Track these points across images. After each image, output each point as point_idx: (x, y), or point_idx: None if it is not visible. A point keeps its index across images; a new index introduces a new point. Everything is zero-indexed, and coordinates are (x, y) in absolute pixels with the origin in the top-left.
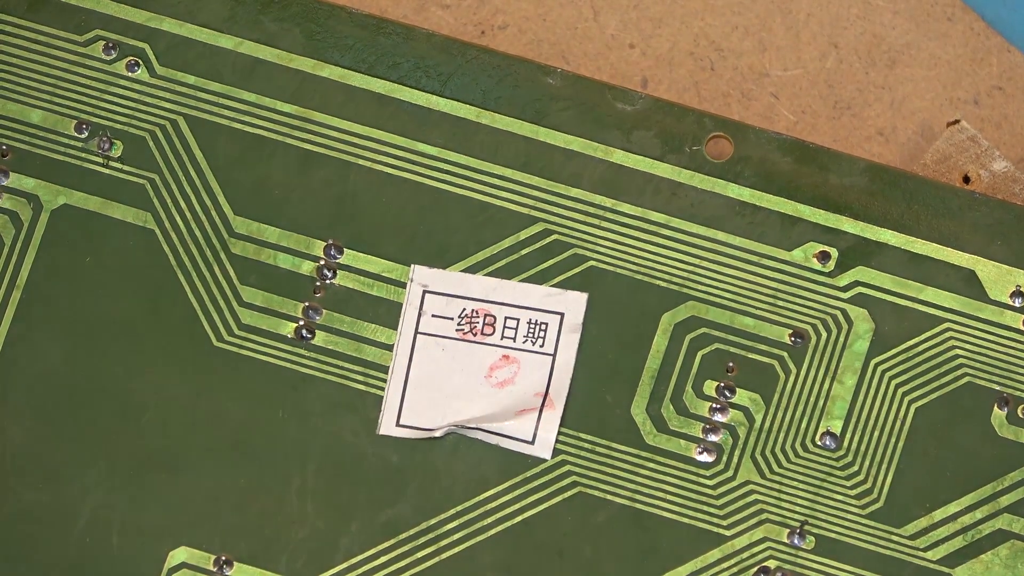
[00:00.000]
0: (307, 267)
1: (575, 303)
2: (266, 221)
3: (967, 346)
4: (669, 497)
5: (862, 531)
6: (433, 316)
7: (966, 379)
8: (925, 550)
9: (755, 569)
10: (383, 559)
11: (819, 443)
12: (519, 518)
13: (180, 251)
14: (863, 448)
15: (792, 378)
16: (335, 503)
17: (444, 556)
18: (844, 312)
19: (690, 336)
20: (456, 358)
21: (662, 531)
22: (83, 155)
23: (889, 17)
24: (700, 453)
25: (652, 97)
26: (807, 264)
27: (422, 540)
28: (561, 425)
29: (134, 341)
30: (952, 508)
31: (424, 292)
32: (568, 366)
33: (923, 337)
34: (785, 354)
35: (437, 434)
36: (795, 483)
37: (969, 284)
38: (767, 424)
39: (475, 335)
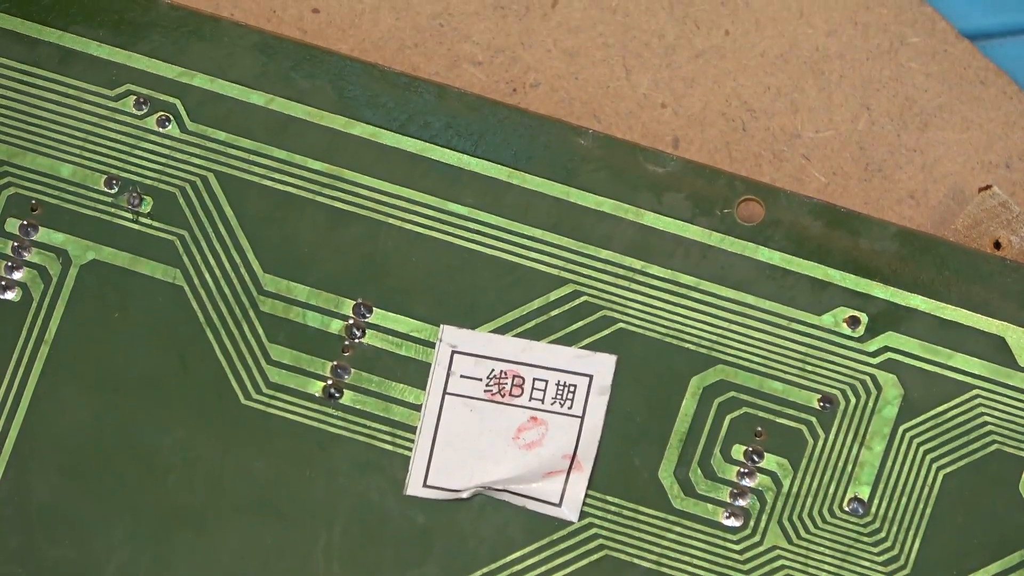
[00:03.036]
0: (336, 326)
1: (604, 365)
2: (295, 279)
3: (996, 413)
4: (696, 561)
5: None
6: (462, 377)
7: (995, 446)
8: None
9: None
10: None
11: (847, 509)
12: None
13: (209, 308)
14: (891, 514)
15: (820, 443)
16: (361, 563)
17: None
18: (873, 378)
19: (719, 400)
20: (484, 419)
21: None
22: (113, 210)
23: (921, 79)
24: (727, 517)
25: (683, 159)
26: (837, 329)
27: None
28: (588, 488)
29: (161, 398)
30: None
31: (453, 352)
32: (596, 428)
33: (952, 403)
34: (814, 419)
35: (464, 495)
36: (822, 549)
37: (999, 351)
38: (795, 489)
39: (503, 396)
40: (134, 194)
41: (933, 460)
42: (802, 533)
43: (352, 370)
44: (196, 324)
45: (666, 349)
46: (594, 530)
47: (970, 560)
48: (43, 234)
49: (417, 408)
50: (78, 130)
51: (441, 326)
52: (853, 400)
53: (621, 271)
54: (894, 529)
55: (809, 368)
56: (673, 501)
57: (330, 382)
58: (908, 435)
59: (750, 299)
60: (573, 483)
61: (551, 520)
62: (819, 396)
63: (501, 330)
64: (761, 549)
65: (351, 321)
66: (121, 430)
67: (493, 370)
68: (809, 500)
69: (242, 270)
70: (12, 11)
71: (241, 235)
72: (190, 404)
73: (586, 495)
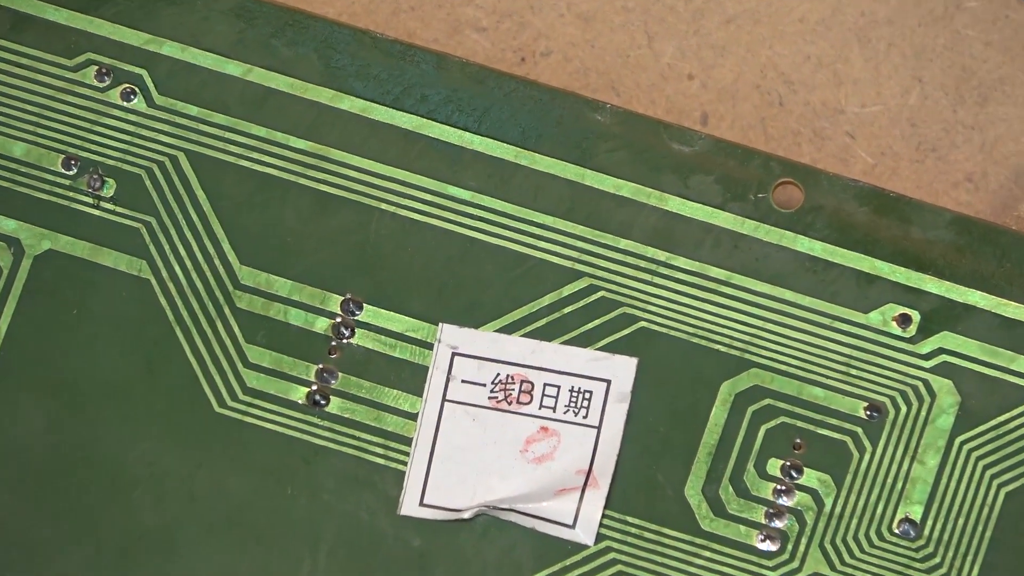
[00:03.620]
0: (321, 324)
1: (623, 369)
2: (276, 272)
3: None
4: None
5: None
6: (463, 382)
7: None
8: None
9: None
10: None
11: (897, 531)
12: None
13: (179, 304)
14: (946, 537)
15: (867, 457)
16: None
17: None
18: (926, 383)
19: (752, 408)
20: (488, 429)
21: None
22: (71, 194)
23: (980, 48)
24: (762, 541)
25: (713, 137)
26: (885, 328)
27: None
28: (606, 507)
29: (126, 406)
30: None
31: (453, 354)
32: (615, 440)
33: (1015, 413)
34: (859, 430)
35: (465, 515)
36: None
37: None
38: (838, 509)
39: (510, 404)
40: (95, 176)
41: (993, 476)
42: (846, 558)
43: (340, 374)
44: (164, 322)
45: (693, 351)
46: (612, 555)
47: None
48: None
49: (413, 417)
50: (32, 104)
51: (440, 325)
52: (904, 408)
53: (643, 263)
54: (950, 554)
55: (854, 372)
56: (701, 522)
57: (315, 388)
58: (965, 448)
59: (788, 295)
60: (588, 502)
61: (563, 543)
62: (865, 404)
63: (507, 329)
64: None
65: (339, 319)
66: (80, 441)
67: (498, 374)
68: (854, 521)
69: (216, 262)
70: None
71: (215, 222)
72: (158, 412)
73: (603, 515)
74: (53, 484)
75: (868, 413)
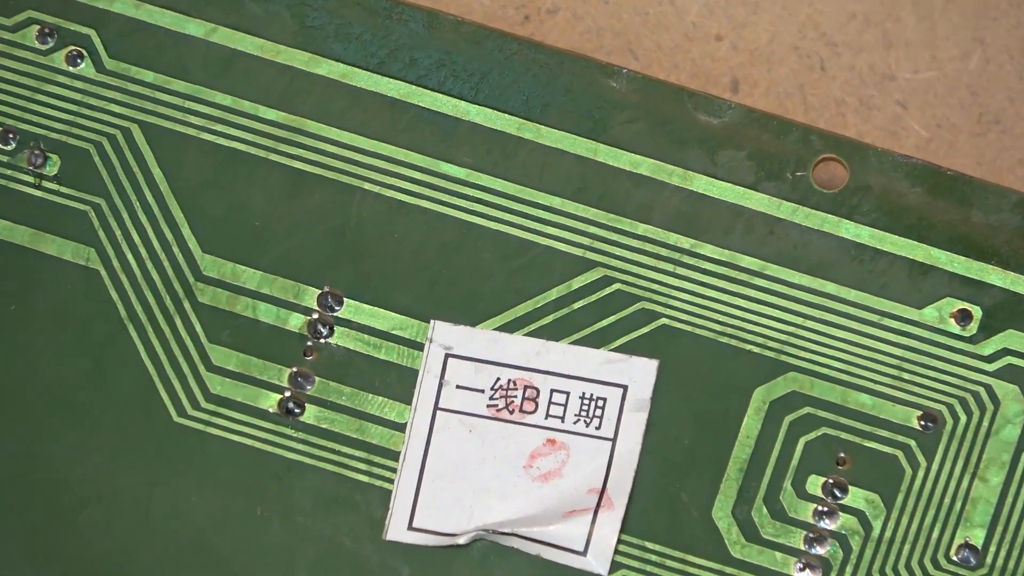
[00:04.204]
0: (296, 322)
1: (642, 373)
2: (243, 261)
3: None
4: None
5: None
6: (458, 387)
7: None
8: None
9: None
10: None
11: (955, 558)
12: None
13: (132, 298)
14: (1011, 565)
15: (921, 474)
16: None
17: None
18: (989, 389)
19: (790, 418)
20: (487, 442)
21: None
22: (9, 172)
23: None
24: (801, 570)
25: (744, 106)
26: (942, 326)
27: None
28: (622, 531)
29: (72, 415)
30: None
31: (447, 356)
32: (632, 454)
33: None
34: (912, 442)
35: (461, 540)
36: None
37: None
38: (888, 533)
39: (512, 412)
40: (36, 151)
41: None
42: None
43: (316, 379)
44: (116, 319)
45: (722, 352)
46: None
47: None
48: None
49: (401, 428)
50: None
51: (431, 322)
52: (963, 418)
53: (664, 251)
54: None
55: (906, 377)
56: (731, 548)
57: (288, 394)
58: None
59: (830, 287)
60: (602, 525)
61: (574, 572)
62: (919, 413)
63: (509, 327)
64: None
65: (315, 315)
66: (20, 456)
67: (499, 379)
68: (906, 547)
69: (175, 250)
70: None
71: (173, 204)
72: (109, 422)
73: (619, 540)
74: None
75: (922, 423)
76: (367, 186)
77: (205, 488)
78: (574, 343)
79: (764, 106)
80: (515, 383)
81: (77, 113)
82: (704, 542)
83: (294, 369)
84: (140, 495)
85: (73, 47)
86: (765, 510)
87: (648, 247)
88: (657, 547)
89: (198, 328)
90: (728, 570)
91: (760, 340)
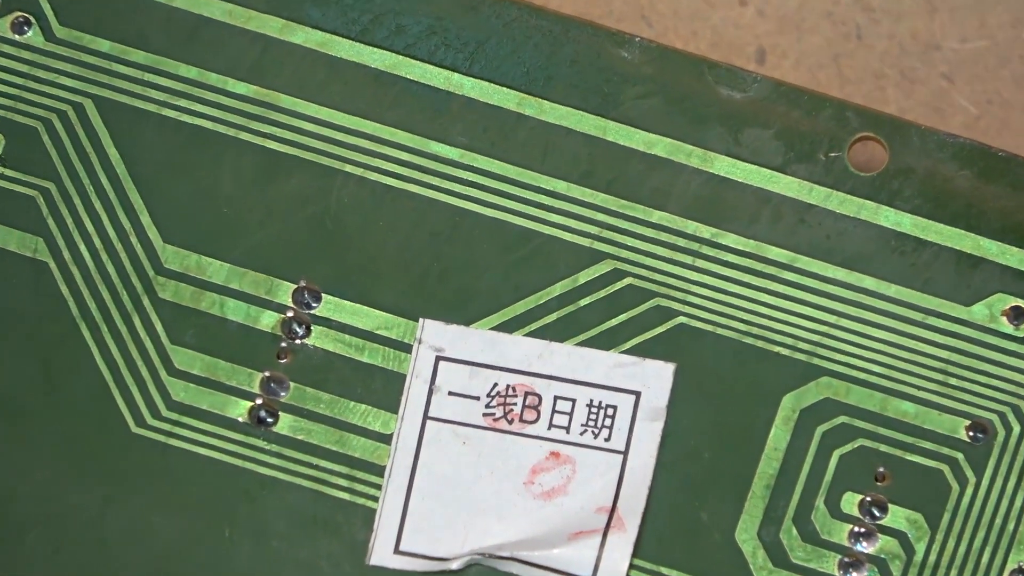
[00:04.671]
0: (268, 320)
1: (657, 377)
2: (209, 253)
3: None
4: None
5: None
6: (450, 394)
7: None
8: None
9: None
10: None
11: None
12: None
13: (85, 294)
14: None
15: (969, 491)
16: None
17: None
18: None
19: (823, 428)
20: (483, 456)
21: None
22: None
23: None
24: None
25: (771, 80)
26: (993, 325)
27: None
28: (634, 555)
29: (17, 425)
30: None
31: (438, 358)
32: (646, 469)
33: None
34: (960, 455)
35: (454, 565)
36: None
37: None
38: (932, 558)
39: (511, 422)
40: None
41: None
42: None
43: (291, 384)
44: (67, 317)
45: (747, 354)
46: None
47: None
48: None
49: (387, 440)
50: None
51: (420, 320)
52: (1016, 428)
53: (682, 242)
54: None
55: (953, 382)
56: (757, 574)
57: (259, 401)
58: None
59: (868, 282)
60: (612, 549)
61: None
62: (967, 423)
63: (507, 327)
64: None
65: (290, 313)
66: None
67: (496, 384)
68: (953, 573)
69: (133, 240)
70: None
71: (131, 189)
72: (58, 433)
73: (631, 565)
74: None
75: (971, 434)
76: (348, 168)
77: (167, 507)
78: (581, 344)
79: (794, 79)
80: (514, 389)
81: (23, 87)
82: (727, 567)
83: (266, 373)
84: (93, 515)
85: (19, 13)
86: (795, 532)
87: (664, 237)
88: (674, 573)
89: (159, 328)
90: None
91: (789, 341)
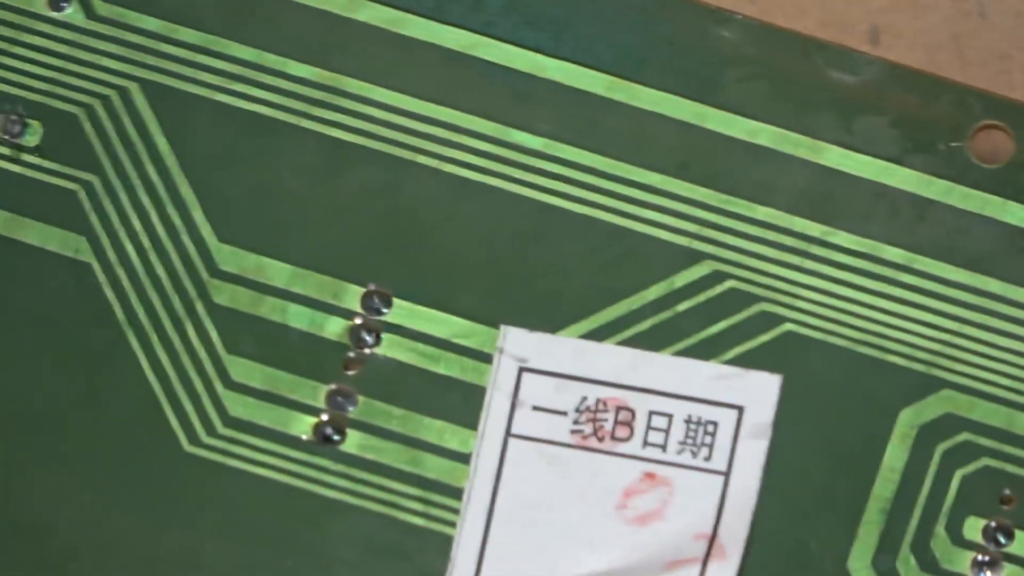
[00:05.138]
0: (334, 328)
1: (762, 391)
2: (269, 253)
3: None
4: None
5: None
6: (535, 409)
7: None
8: None
9: None
10: None
11: None
12: None
13: (132, 299)
14: None
15: None
16: None
17: None
18: None
19: (944, 446)
20: (571, 477)
21: None
22: None
23: None
24: None
25: (886, 62)
26: None
27: None
28: None
29: (58, 444)
30: None
31: (521, 370)
32: (749, 492)
33: None
34: None
35: None
36: None
37: None
38: None
39: (601, 440)
40: (13, 117)
41: None
42: None
43: (360, 398)
44: (112, 324)
45: (860, 365)
46: None
47: None
48: None
49: (465, 459)
50: None
51: (502, 328)
52: None
53: (789, 240)
54: None
55: None
56: None
57: (325, 417)
58: None
59: (993, 285)
60: None
61: None
62: None
63: (597, 334)
64: None
65: (359, 320)
66: None
67: (585, 398)
68: None
69: (184, 239)
70: None
71: (182, 182)
72: (103, 453)
73: None
74: None
75: None
76: (421, 160)
77: (222, 534)
78: (678, 354)
79: (910, 61)
80: (605, 404)
81: (62, 69)
82: None
83: (332, 386)
84: (142, 542)
85: None
86: (913, 560)
87: (769, 235)
88: None
89: (213, 336)
90: None
91: (907, 350)
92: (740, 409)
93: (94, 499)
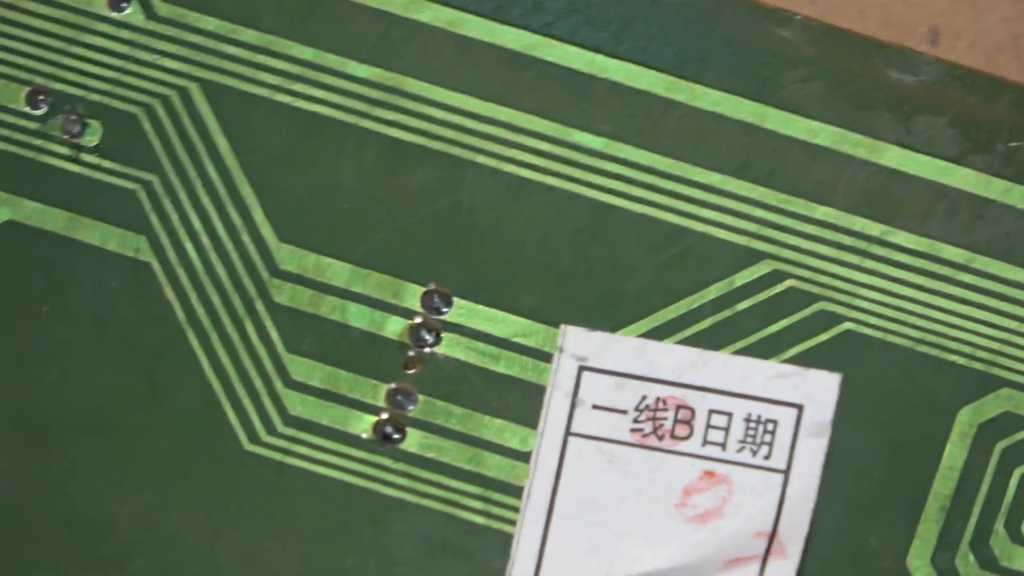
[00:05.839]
0: (394, 327)
1: (821, 389)
2: (329, 252)
3: None
4: None
5: None
6: (595, 408)
7: None
8: None
9: None
10: None
11: None
12: None
13: (192, 298)
14: None
15: None
16: None
17: None
18: None
19: (1003, 444)
20: (631, 475)
21: None
22: (39, 142)
23: None
24: None
25: (946, 62)
26: None
27: None
28: None
29: (117, 443)
30: None
31: (581, 368)
32: (809, 491)
33: None
34: None
35: None
36: None
37: None
38: None
39: (661, 438)
40: (72, 117)
41: None
42: None
43: (420, 397)
44: (172, 323)
45: (919, 364)
46: None
47: None
48: None
49: (525, 458)
50: None
51: (561, 327)
52: None
53: (848, 240)
54: None
55: None
56: None
57: (385, 416)
58: None
59: None
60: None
61: None
62: None
63: (657, 333)
64: None
65: (418, 319)
66: (53, 492)
67: (645, 397)
68: None
69: (244, 238)
70: None
71: (242, 182)
72: (163, 451)
73: None
74: (14, 549)
75: None
76: (481, 160)
77: (282, 532)
78: (737, 353)
79: (970, 61)
80: (665, 402)
81: (122, 70)
82: None
83: (392, 385)
84: (202, 541)
85: None
86: (972, 558)
87: (829, 235)
88: None
89: (274, 335)
90: None
91: (966, 349)
92: (800, 408)
93: (154, 497)
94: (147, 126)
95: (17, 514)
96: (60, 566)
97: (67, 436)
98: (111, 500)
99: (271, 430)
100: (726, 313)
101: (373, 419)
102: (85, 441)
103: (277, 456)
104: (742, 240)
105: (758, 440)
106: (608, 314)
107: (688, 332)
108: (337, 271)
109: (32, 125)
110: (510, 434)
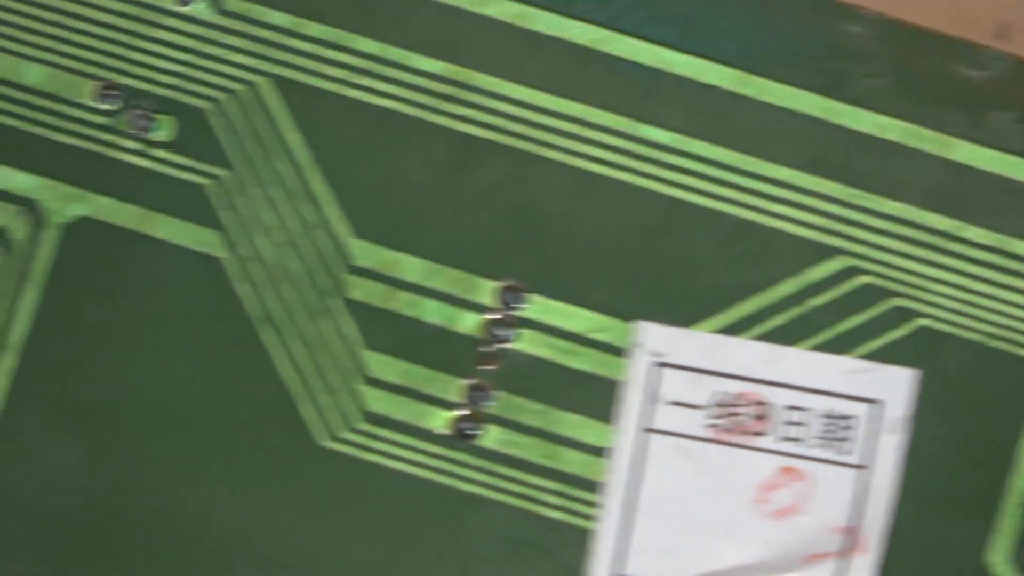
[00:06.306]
0: (470, 323)
1: (898, 385)
2: (404, 248)
3: None
4: None
5: None
6: (672, 404)
7: None
8: None
9: None
10: None
11: None
12: None
13: (266, 294)
14: None
15: None
16: None
17: None
18: None
19: None
20: (708, 471)
21: None
22: (109, 138)
23: None
24: None
25: (1015, 57)
26: None
27: None
28: None
29: (190, 438)
30: None
31: (658, 364)
32: (887, 486)
33: None
34: None
35: None
36: None
37: None
38: None
39: (738, 434)
40: (142, 112)
41: None
42: None
43: (497, 393)
44: (244, 320)
45: (996, 359)
46: None
47: None
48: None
49: (602, 453)
50: (51, 11)
51: (637, 323)
52: None
53: (922, 235)
54: None
55: None
56: None
57: (463, 412)
58: None
59: None
60: (852, 572)
61: None
62: None
63: (732, 329)
64: None
65: (495, 315)
66: (126, 489)
67: (721, 392)
68: None
69: (318, 233)
70: None
71: (315, 177)
72: (236, 448)
73: None
74: (86, 544)
75: None
76: (549, 154)
77: (359, 529)
78: (812, 348)
79: None
80: (741, 398)
81: (192, 64)
82: None
83: (470, 381)
84: (276, 538)
85: None
86: None
87: (902, 230)
88: None
89: (348, 331)
90: None
91: None
92: (876, 403)
93: (226, 493)
94: (217, 121)
95: (91, 510)
96: (132, 563)
97: (139, 432)
98: (182, 496)
99: (347, 426)
100: (800, 309)
101: (450, 415)
102: (156, 437)
103: (354, 452)
104: (814, 236)
105: (836, 436)
106: (680, 309)
107: (762, 328)
108: (411, 267)
109: (102, 120)
110: (587, 430)
